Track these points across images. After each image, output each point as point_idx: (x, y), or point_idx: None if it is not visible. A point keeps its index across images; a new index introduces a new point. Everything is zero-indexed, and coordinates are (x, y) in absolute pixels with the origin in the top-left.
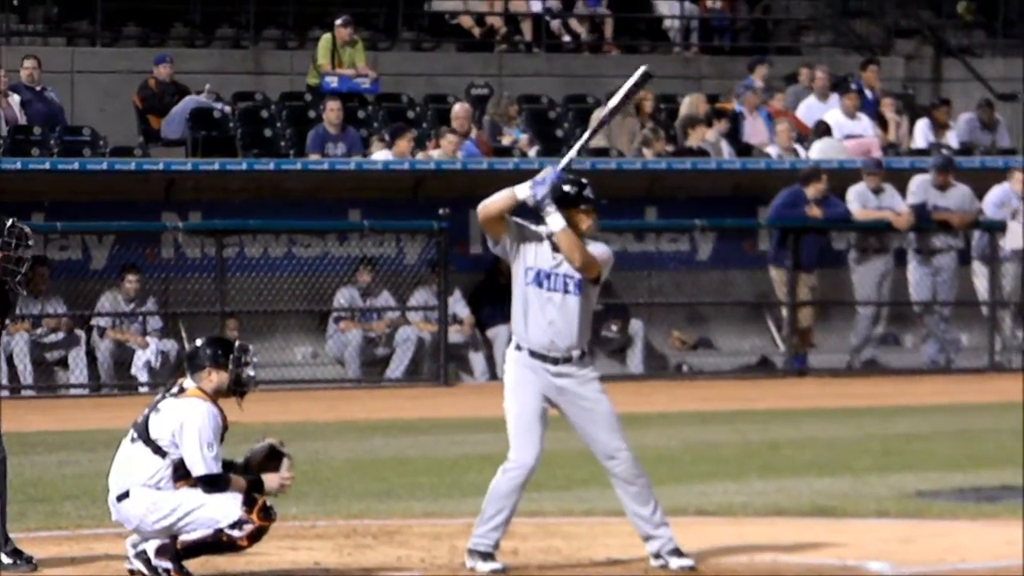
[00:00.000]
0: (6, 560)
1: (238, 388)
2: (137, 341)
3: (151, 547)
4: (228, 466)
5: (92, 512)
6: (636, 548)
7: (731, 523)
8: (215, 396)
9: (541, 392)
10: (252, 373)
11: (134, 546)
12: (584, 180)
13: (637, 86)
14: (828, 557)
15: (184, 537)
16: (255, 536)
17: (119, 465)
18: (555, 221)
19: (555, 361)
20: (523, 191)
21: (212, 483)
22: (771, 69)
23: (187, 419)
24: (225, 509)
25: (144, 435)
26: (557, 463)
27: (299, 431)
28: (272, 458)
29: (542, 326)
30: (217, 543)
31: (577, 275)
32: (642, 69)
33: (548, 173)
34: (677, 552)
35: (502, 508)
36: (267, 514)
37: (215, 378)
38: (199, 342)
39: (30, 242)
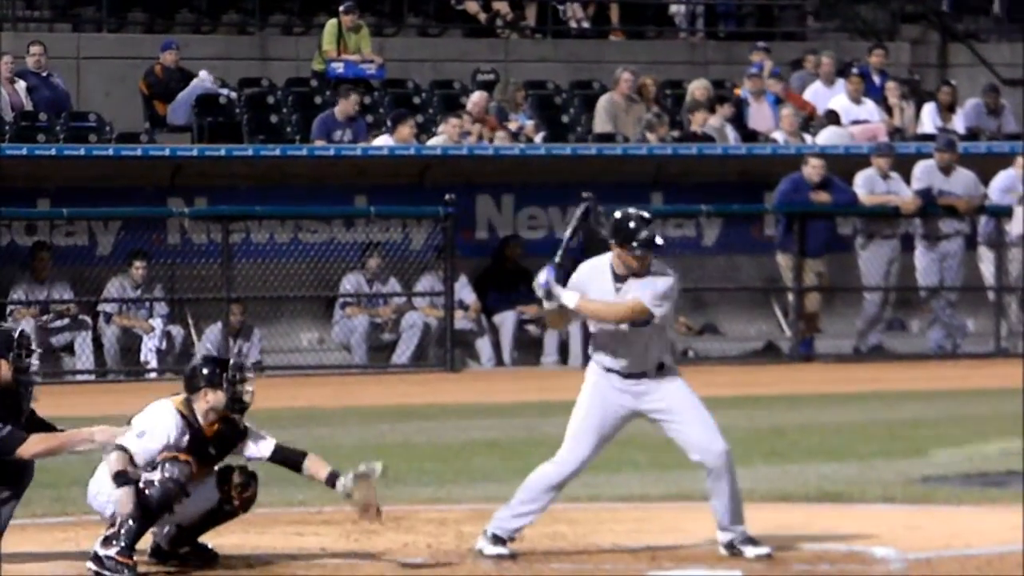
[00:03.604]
0: None
1: (235, 406)
2: (143, 326)
3: (98, 544)
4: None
5: None
6: (642, 534)
7: None
8: (210, 414)
9: (616, 403)
10: (251, 388)
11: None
12: (647, 217)
13: (585, 218)
14: (834, 543)
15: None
16: (178, 475)
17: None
18: (569, 299)
19: (629, 376)
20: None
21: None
22: (772, 55)
23: (147, 410)
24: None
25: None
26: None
27: (305, 417)
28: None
29: (615, 353)
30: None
31: (650, 307)
32: (583, 205)
33: (545, 274)
34: (751, 541)
35: (532, 500)
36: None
37: (211, 398)
38: (195, 361)
39: (34, 347)
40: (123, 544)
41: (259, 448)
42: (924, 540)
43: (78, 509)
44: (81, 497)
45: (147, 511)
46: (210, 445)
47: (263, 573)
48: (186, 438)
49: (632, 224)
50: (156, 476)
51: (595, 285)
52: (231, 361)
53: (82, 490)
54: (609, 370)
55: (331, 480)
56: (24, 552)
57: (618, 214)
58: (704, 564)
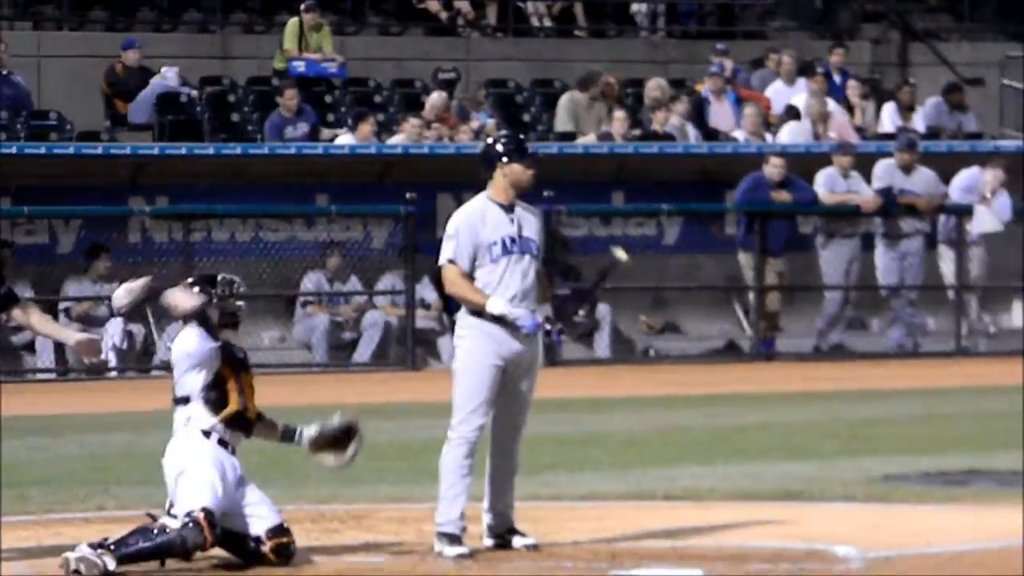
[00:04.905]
0: None
1: (225, 319)
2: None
3: (97, 542)
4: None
5: (60, 497)
6: (603, 532)
7: (698, 507)
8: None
9: (494, 364)
10: (241, 304)
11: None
12: (520, 136)
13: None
14: (795, 541)
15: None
16: (188, 534)
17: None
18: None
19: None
20: (497, 308)
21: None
22: (732, 54)
23: (175, 349)
24: (198, 494)
25: (174, 396)
26: (523, 448)
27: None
28: (340, 439)
29: (512, 285)
30: (148, 533)
31: (536, 240)
32: (619, 256)
33: (529, 319)
34: (517, 531)
35: (453, 484)
36: (213, 524)
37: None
38: (188, 280)
39: None
40: (116, 554)
41: None
42: (885, 538)
43: (38, 507)
44: (40, 495)
45: (141, 551)
46: (233, 348)
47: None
48: (212, 345)
49: (519, 139)
50: (175, 525)
51: (488, 228)
52: (219, 276)
53: (41, 488)
54: (496, 319)
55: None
56: None
57: (495, 139)
58: (665, 563)
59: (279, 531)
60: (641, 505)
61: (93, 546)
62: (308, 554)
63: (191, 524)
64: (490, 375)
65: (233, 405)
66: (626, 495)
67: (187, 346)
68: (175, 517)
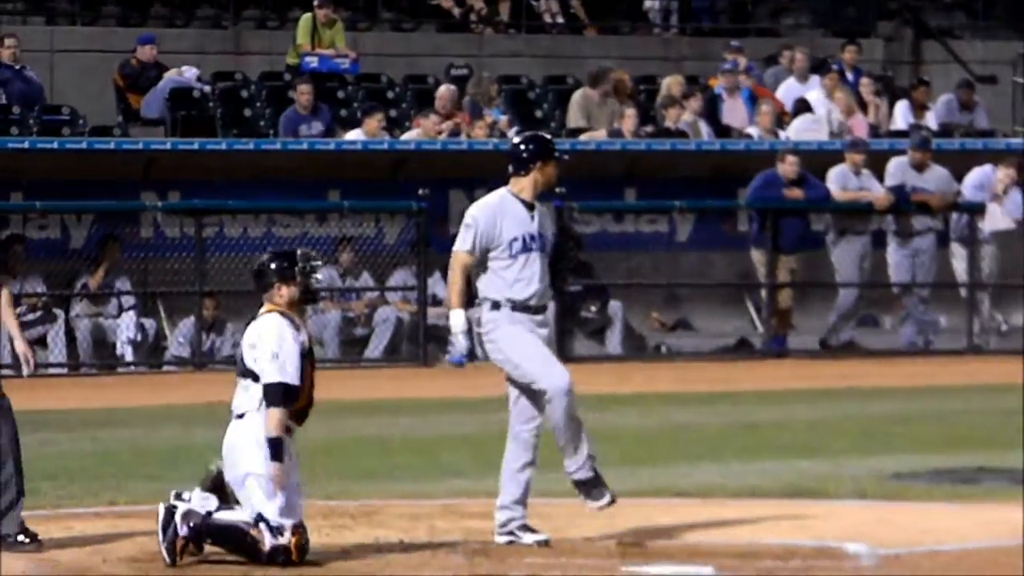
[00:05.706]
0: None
1: (308, 297)
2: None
3: (181, 511)
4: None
5: (71, 491)
6: (614, 528)
7: (709, 504)
8: (289, 308)
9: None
10: (321, 276)
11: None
12: (545, 135)
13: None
14: (806, 538)
15: (218, 516)
16: (277, 556)
17: (234, 400)
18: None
19: (537, 311)
20: (456, 323)
21: (276, 394)
22: (745, 52)
23: (260, 334)
24: (277, 504)
25: (243, 370)
26: None
27: None
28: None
29: (534, 281)
30: (242, 538)
31: (550, 238)
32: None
33: (460, 354)
34: (529, 528)
35: (576, 434)
36: (303, 548)
37: (285, 292)
38: (264, 258)
39: None
40: (193, 530)
41: None
42: (895, 536)
43: (48, 502)
44: (51, 490)
45: (229, 547)
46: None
47: (240, 572)
48: (303, 339)
49: (547, 139)
50: (267, 543)
51: (508, 222)
52: (298, 252)
53: (52, 483)
54: (516, 307)
55: None
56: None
57: (521, 139)
58: (676, 560)
59: (298, 528)
60: (652, 502)
61: (187, 515)
62: (319, 550)
63: (282, 550)
64: (537, 342)
65: (303, 400)
66: (637, 492)
67: (287, 336)
68: (273, 528)
